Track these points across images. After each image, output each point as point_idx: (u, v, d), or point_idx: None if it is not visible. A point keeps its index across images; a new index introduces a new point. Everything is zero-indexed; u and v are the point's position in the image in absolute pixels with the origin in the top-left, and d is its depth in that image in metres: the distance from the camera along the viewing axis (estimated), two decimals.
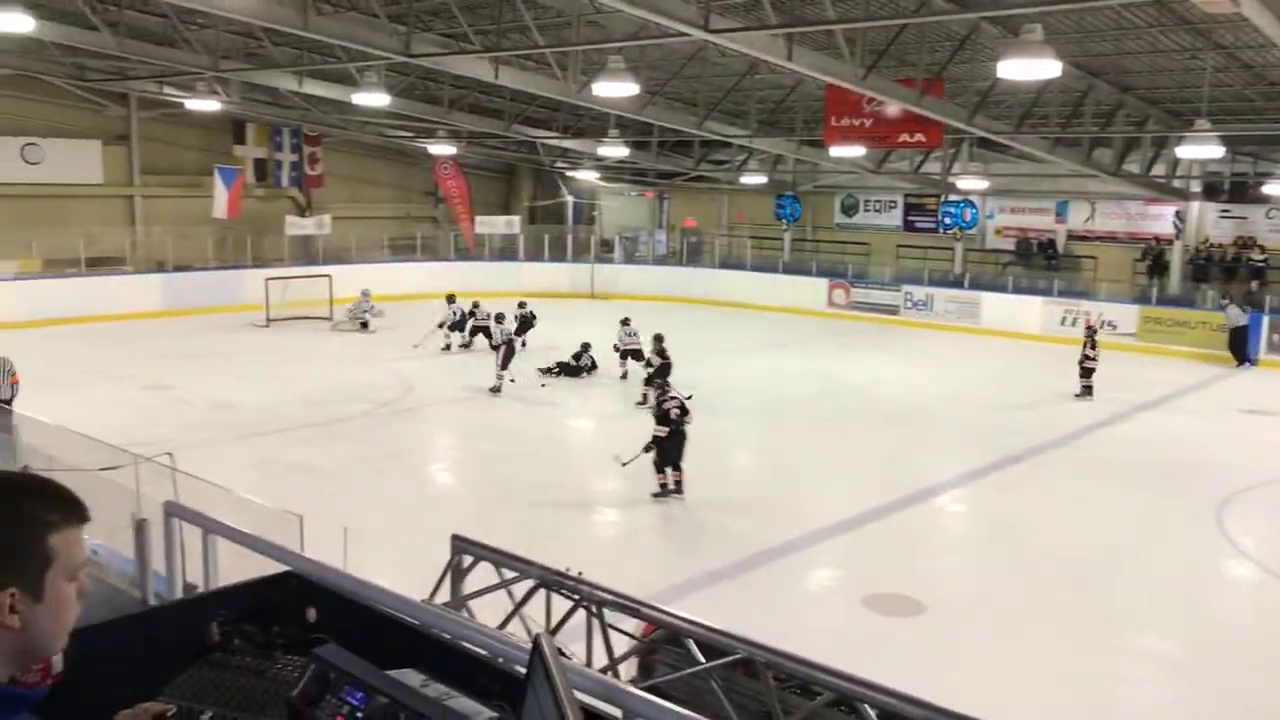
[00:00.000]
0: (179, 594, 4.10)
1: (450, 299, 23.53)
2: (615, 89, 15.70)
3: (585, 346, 20.59)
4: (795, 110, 23.42)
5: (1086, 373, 19.33)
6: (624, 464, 12.58)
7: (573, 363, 20.43)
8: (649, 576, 9.90)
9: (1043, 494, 13.46)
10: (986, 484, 13.92)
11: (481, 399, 18.23)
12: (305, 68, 20.26)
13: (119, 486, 7.02)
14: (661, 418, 12.65)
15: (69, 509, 1.61)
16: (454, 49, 17.18)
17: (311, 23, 14.49)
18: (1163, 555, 11.34)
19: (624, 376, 19.74)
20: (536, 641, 1.56)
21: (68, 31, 18.00)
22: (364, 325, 25.43)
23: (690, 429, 12.53)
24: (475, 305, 23.16)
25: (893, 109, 18.45)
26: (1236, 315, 23.20)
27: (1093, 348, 19.41)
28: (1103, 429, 17.08)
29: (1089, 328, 20.18)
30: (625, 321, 20.38)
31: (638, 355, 19.49)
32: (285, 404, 17.04)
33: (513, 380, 18.70)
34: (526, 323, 23.39)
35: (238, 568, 4.21)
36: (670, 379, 14.38)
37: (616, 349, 20.05)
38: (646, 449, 12.56)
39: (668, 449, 12.54)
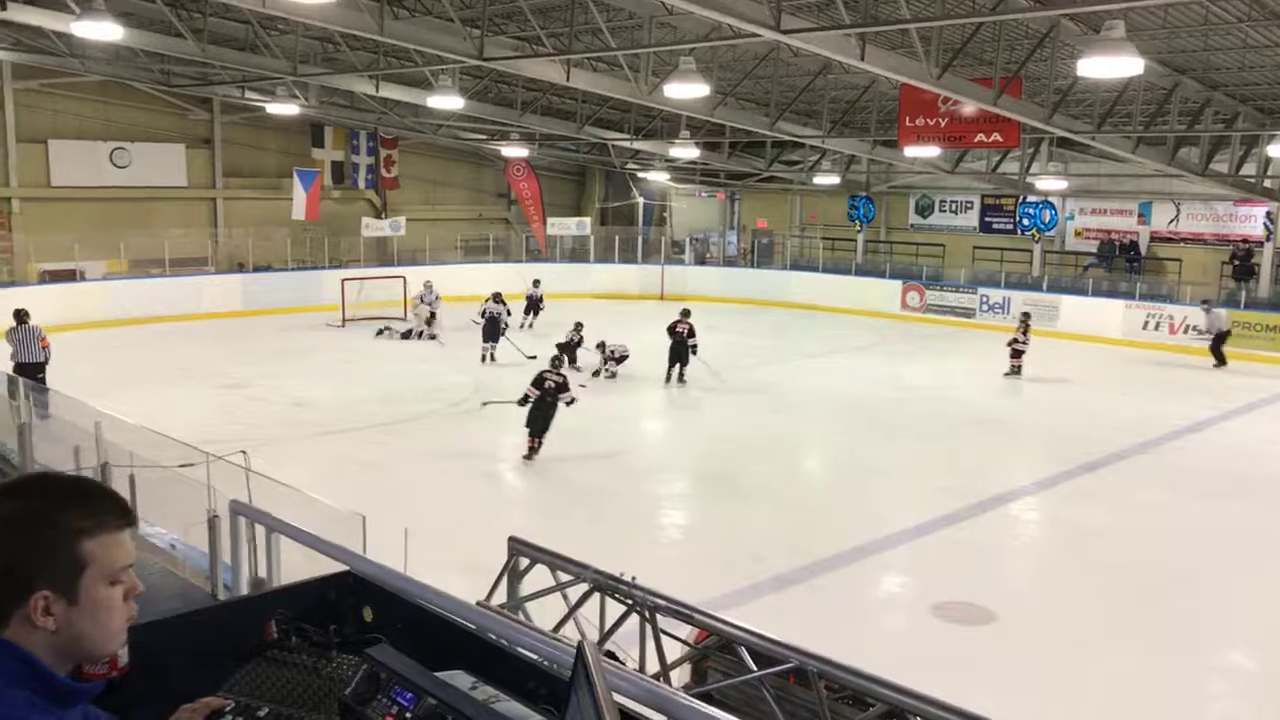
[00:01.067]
0: (245, 590, 4.18)
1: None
2: (686, 90, 15.69)
3: (578, 326, 20.92)
4: (869, 110, 23.15)
5: (1016, 354, 21.23)
6: (484, 404, 15.14)
7: (566, 343, 20.45)
8: (716, 580, 9.86)
9: (1121, 503, 13.09)
10: (1063, 491, 13.59)
11: None
12: (381, 71, 20.60)
13: (196, 483, 7.19)
14: (537, 382, 14.00)
15: (106, 513, 1.61)
16: (526, 52, 17.32)
17: (387, 27, 14.73)
18: (1247, 568, 10.95)
19: (612, 376, 19.98)
20: (580, 648, 1.56)
21: (154, 39, 18.58)
22: (432, 317, 25.06)
23: (759, 431, 12.54)
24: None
25: (968, 109, 18.16)
26: (1219, 319, 22.95)
27: (1024, 333, 21.38)
28: (1186, 436, 16.58)
29: (1024, 313, 22.57)
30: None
31: (622, 359, 20.10)
32: (359, 403, 17.32)
33: (533, 356, 19.81)
34: (534, 305, 25.77)
35: (307, 564, 4.29)
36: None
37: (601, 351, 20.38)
38: (520, 403, 14.04)
39: (534, 416, 13.87)
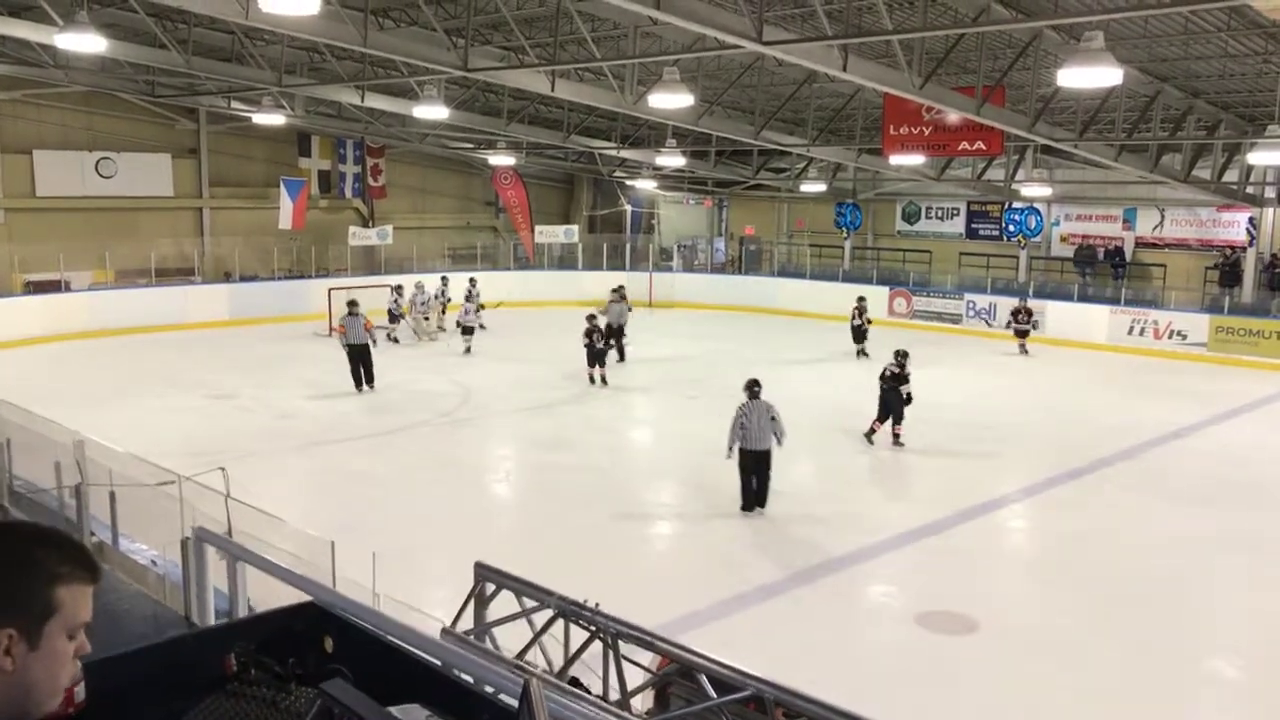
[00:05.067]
0: (210, 620, 4.18)
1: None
2: (671, 100, 15.69)
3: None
4: (854, 118, 23.26)
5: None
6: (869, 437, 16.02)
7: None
8: (700, 592, 9.89)
9: (1107, 510, 13.14)
10: (1049, 499, 13.63)
11: (540, 408, 18.34)
12: (367, 82, 20.61)
13: (176, 500, 7.20)
14: (882, 375, 15.93)
15: (80, 566, 1.63)
16: (512, 62, 17.34)
17: (371, 39, 14.73)
18: (1231, 574, 11.00)
19: (467, 351, 23.24)
20: (525, 687, 1.57)
21: (139, 50, 18.54)
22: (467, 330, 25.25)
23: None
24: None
25: (952, 117, 18.23)
26: (617, 312, 22.46)
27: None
28: (1171, 442, 16.64)
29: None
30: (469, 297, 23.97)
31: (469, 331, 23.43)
32: (346, 413, 17.31)
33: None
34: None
35: (282, 589, 4.29)
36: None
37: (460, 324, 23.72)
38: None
39: (884, 404, 15.77)
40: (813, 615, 9.73)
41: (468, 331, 23.91)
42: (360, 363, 18.99)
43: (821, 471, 15.51)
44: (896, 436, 15.83)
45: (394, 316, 25.40)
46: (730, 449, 12.36)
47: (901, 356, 15.99)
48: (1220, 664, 9.14)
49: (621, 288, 23.56)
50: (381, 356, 23.23)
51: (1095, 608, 9.97)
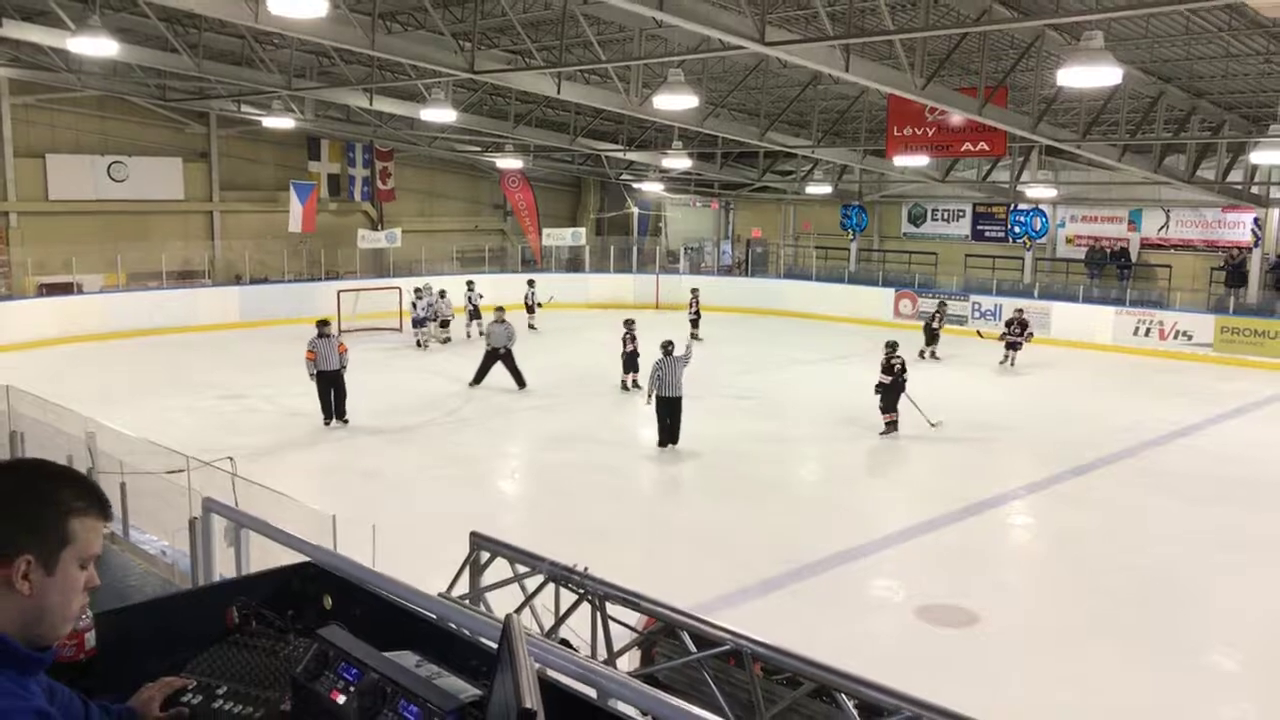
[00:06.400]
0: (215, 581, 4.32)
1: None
2: (675, 102, 15.82)
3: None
4: (859, 120, 23.36)
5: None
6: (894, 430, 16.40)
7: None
8: (703, 585, 9.97)
9: (1109, 507, 13.20)
10: (1051, 496, 13.71)
11: (548, 409, 18.45)
12: (375, 85, 20.79)
13: (185, 490, 7.34)
14: (887, 369, 16.40)
15: (94, 500, 1.78)
16: (518, 65, 17.50)
17: (378, 42, 14.91)
18: (1228, 570, 11.06)
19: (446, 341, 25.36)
20: (506, 622, 1.69)
21: (150, 54, 18.78)
22: (444, 324, 25.88)
23: (750, 438, 12.75)
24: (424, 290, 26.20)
25: (955, 118, 18.33)
26: (501, 335, 19.65)
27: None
28: (1175, 441, 16.70)
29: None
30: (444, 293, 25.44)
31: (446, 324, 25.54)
32: (355, 413, 17.40)
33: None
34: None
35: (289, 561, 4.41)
36: None
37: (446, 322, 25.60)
38: (876, 389, 16.46)
39: (888, 395, 16.37)
40: (813, 608, 9.82)
41: (444, 324, 25.90)
42: (331, 391, 16.61)
43: (827, 468, 15.64)
44: (935, 354, 17.93)
45: (418, 321, 25.35)
46: (649, 397, 15.26)
47: (940, 305, 19.27)
48: (1218, 658, 9.20)
49: (501, 309, 20.48)
50: (394, 358, 23.46)
51: (1096, 603, 10.04)
